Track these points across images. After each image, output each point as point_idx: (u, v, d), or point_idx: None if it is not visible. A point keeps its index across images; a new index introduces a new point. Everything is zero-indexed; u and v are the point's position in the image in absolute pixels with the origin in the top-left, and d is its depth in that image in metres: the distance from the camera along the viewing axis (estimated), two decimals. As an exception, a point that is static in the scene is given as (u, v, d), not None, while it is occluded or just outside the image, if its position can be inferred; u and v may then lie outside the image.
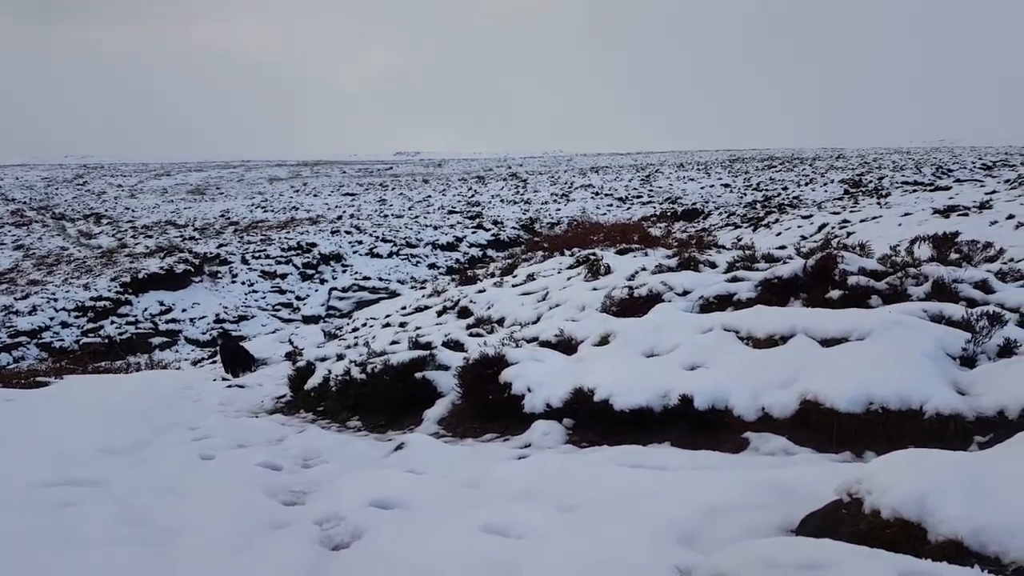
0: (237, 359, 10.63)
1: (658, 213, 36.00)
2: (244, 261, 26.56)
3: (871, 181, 38.16)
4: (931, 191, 22.44)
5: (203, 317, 21.80)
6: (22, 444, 4.40)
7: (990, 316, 4.12)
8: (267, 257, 27.00)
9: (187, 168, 77.08)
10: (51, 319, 20.74)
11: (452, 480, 3.42)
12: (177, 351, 19.40)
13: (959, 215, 14.98)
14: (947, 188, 22.39)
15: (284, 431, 5.32)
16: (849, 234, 15.38)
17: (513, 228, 33.78)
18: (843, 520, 2.27)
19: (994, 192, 17.70)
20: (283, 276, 25.87)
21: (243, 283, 24.96)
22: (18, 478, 3.63)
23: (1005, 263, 9.25)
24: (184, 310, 22.28)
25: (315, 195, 51.52)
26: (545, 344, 6.03)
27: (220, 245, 28.91)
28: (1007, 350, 3.94)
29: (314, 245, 28.45)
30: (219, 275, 25.27)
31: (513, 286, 10.70)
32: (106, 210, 44.20)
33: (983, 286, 5.23)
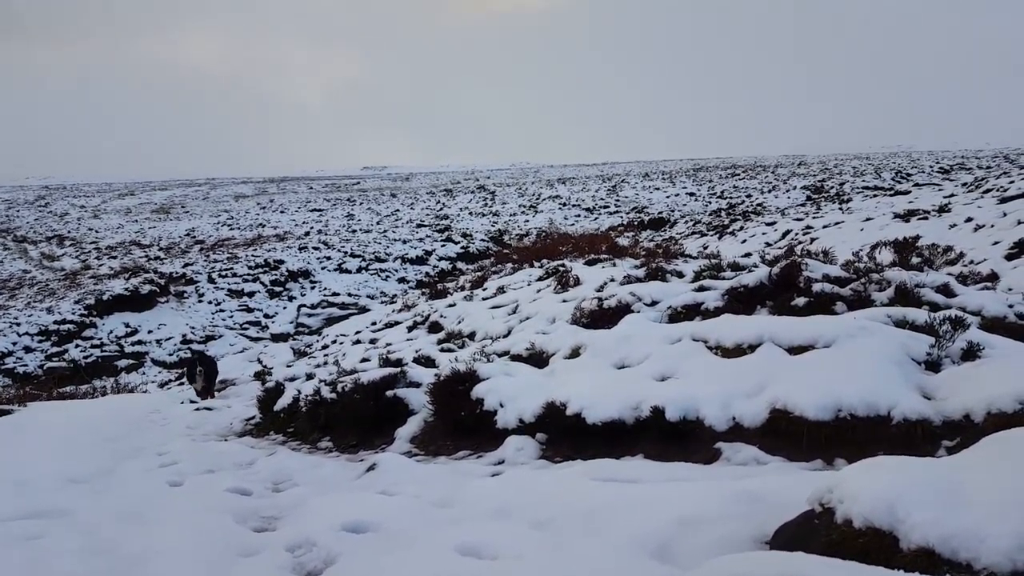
0: (204, 369, 9.76)
1: (625, 223, 36.28)
2: (211, 280, 26.12)
3: (833, 187, 38.94)
4: (891, 195, 22.97)
5: (170, 338, 21.36)
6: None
7: (953, 320, 4.20)
8: (234, 275, 26.60)
9: (151, 187, 75.87)
10: (14, 344, 20.19)
11: (425, 500, 3.38)
12: (144, 373, 18.97)
13: (919, 219, 15.33)
14: (907, 192, 22.93)
15: (254, 454, 5.22)
16: (813, 240, 15.65)
17: (482, 240, 33.75)
18: (816, 530, 2.28)
19: (952, 195, 18.16)
20: (250, 294, 25.49)
21: (210, 302, 24.54)
22: None
23: (965, 266, 9.50)
24: (150, 331, 21.83)
25: (282, 212, 51.01)
26: (516, 358, 6.01)
27: (186, 264, 28.42)
28: (970, 353, 4.01)
29: (281, 262, 28.10)
30: (185, 295, 24.82)
31: (483, 299, 10.67)
32: (69, 231, 43.27)
33: (945, 290, 5.34)
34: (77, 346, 20.75)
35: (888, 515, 2.07)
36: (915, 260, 7.11)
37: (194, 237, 39.72)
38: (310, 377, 7.27)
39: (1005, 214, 13.06)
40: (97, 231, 43.30)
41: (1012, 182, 17.19)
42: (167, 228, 43.86)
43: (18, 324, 21.19)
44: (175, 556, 2.87)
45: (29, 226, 46.08)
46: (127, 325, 22.14)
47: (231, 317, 23.69)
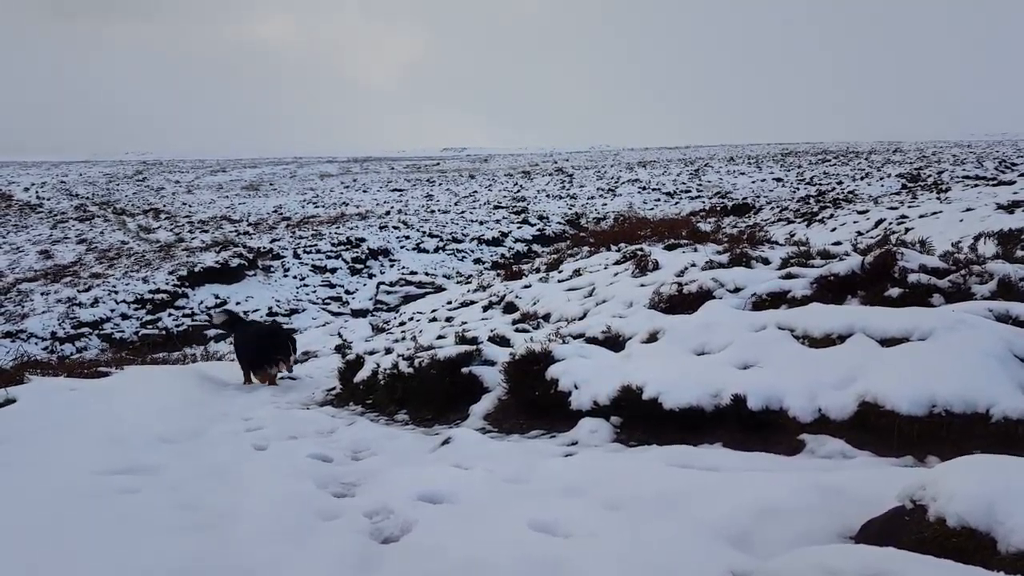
0: (270, 347, 8.20)
1: (707, 208, 35.42)
2: (296, 256, 27.09)
3: (930, 175, 36.85)
4: (994, 186, 21.53)
5: (256, 310, 22.29)
6: (84, 432, 4.53)
7: (1062, 316, 3.92)
8: (318, 252, 27.50)
9: (241, 165, 79.00)
10: (112, 311, 21.48)
11: (498, 475, 3.42)
12: (231, 343, 19.91)
13: (1025, 210, 14.34)
14: (1011, 183, 21.44)
15: (334, 423, 5.40)
16: (907, 230, 14.87)
17: (559, 223, 33.65)
18: (905, 527, 2.18)
19: (1063, 186, 16.90)
20: (333, 270, 26.31)
21: (295, 277, 25.47)
22: (81, 465, 3.75)
23: (1077, 260, 8.82)
24: (238, 303, 22.83)
25: (364, 191, 52.24)
26: (592, 340, 5.97)
27: (273, 240, 29.54)
28: (1080, 352, 3.74)
29: (363, 240, 28.85)
30: (272, 269, 25.84)
31: (559, 281, 10.65)
32: (164, 205, 45.59)
33: (1053, 284, 4.98)
34: (170, 315, 21.90)
35: (986, 515, 1.96)
36: (1020, 253, 6.66)
37: (281, 214, 41.20)
38: (388, 351, 7.45)
39: (1124, 206, 12.05)
40: (190, 206, 45.47)
41: None
42: (256, 204, 45.62)
43: (116, 292, 22.54)
44: (259, 515, 2.99)
45: (128, 199, 48.78)
46: (216, 296, 23.23)
47: (314, 292, 24.53)
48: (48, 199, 47.40)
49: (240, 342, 9.02)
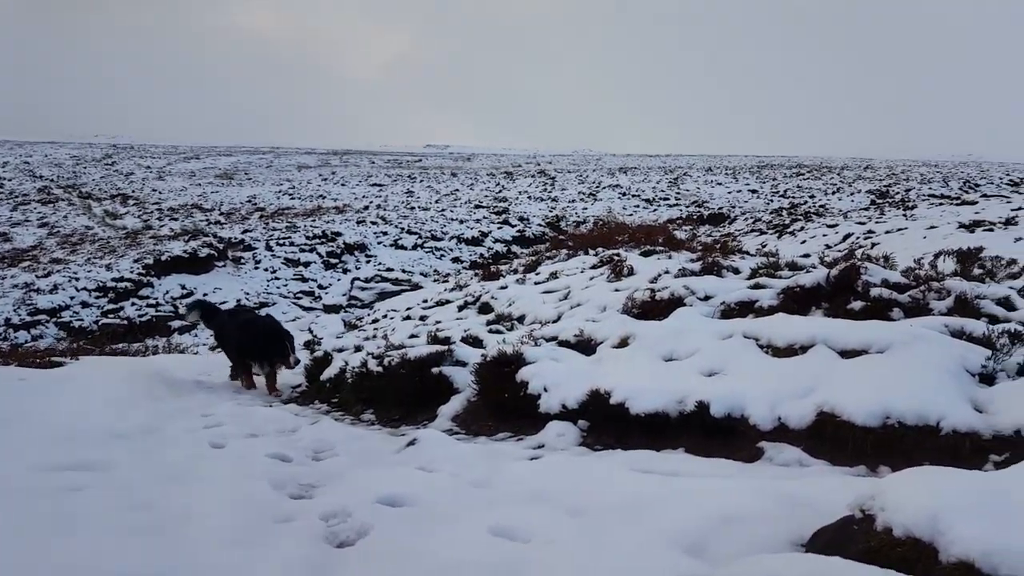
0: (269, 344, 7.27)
1: (684, 216, 35.77)
2: (268, 248, 26.81)
3: (898, 193, 37.60)
4: (957, 205, 22.05)
5: (224, 302, 22.01)
6: (31, 425, 4.38)
7: (1011, 334, 4.06)
8: (291, 244, 27.24)
9: (216, 152, 77.93)
10: (71, 298, 20.97)
11: (463, 479, 3.43)
12: (196, 335, 19.61)
13: (984, 230, 14.72)
14: (974, 203, 21.97)
15: (297, 421, 5.34)
16: (874, 245, 15.18)
17: (539, 225, 33.74)
18: (854, 536, 2.25)
19: (1020, 208, 17.35)
20: (306, 264, 26.08)
21: (266, 270, 25.20)
22: (23, 460, 3.61)
23: (1033, 280, 9.09)
24: (206, 294, 22.51)
25: (343, 184, 51.84)
26: (564, 344, 6.02)
27: (245, 231, 29.20)
28: (1028, 369, 3.87)
29: (339, 234, 28.65)
30: (243, 261, 25.54)
31: (535, 283, 10.70)
32: (133, 191, 44.78)
33: (1005, 303, 5.15)
34: (133, 304, 21.49)
35: (930, 526, 2.03)
36: (977, 271, 6.85)
37: (255, 204, 40.73)
38: (358, 349, 7.43)
39: (1078, 230, 12.45)
40: (161, 192, 44.74)
41: (1091, 196, 16.33)
42: (229, 193, 45.03)
43: (77, 279, 22.07)
44: (212, 517, 2.92)
45: (95, 183, 47.82)
46: (183, 287, 22.89)
47: (286, 286, 24.30)
48: (10, 180, 46.30)
49: (229, 333, 7.93)
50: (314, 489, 3.52)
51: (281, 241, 27.46)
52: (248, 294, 22.91)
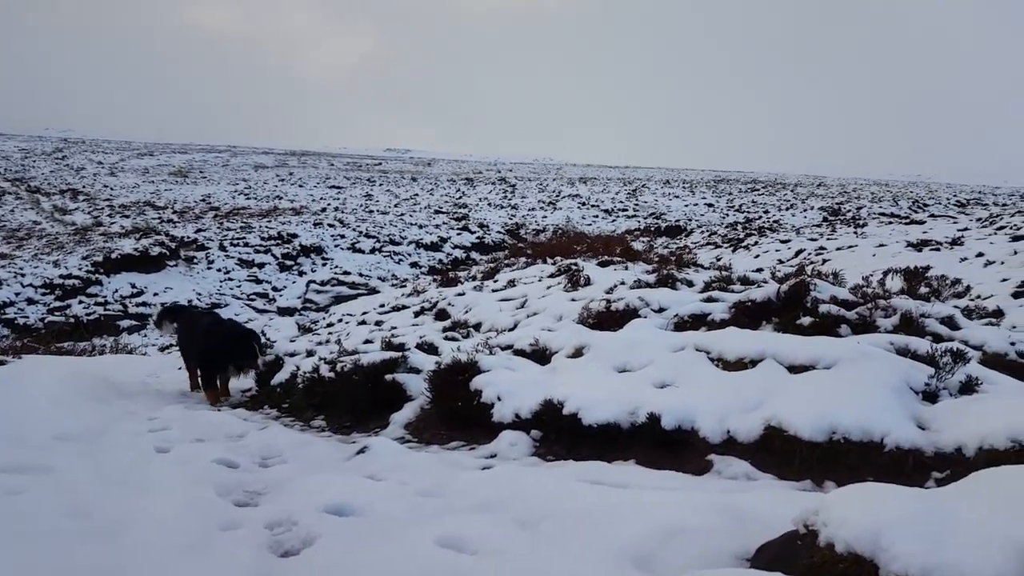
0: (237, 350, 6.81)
1: (642, 227, 36.22)
2: (222, 248, 26.24)
3: (850, 210, 38.71)
4: (906, 224, 22.80)
5: (175, 302, 21.51)
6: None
7: (954, 353, 4.17)
8: (246, 245, 26.72)
9: (171, 149, 76.24)
10: (16, 295, 20.27)
11: (412, 488, 3.38)
12: (146, 335, 19.09)
13: (931, 249, 15.24)
14: (922, 222, 22.76)
15: (246, 427, 5.21)
16: (825, 261, 15.57)
17: (499, 232, 33.77)
18: (798, 552, 2.27)
19: (966, 229, 18.02)
20: (261, 265, 25.60)
21: (219, 270, 24.66)
22: None
23: (972, 300, 9.44)
24: (156, 294, 21.94)
25: (300, 185, 51.17)
26: (520, 352, 6.01)
27: (198, 230, 28.56)
28: (969, 387, 3.99)
29: (295, 236, 28.21)
30: (195, 260, 24.95)
31: (493, 291, 10.68)
32: (84, 186, 43.52)
33: (949, 322, 5.31)
34: (81, 302, 20.85)
35: (871, 543, 2.05)
36: (923, 290, 7.07)
37: (209, 203, 39.92)
38: (310, 354, 7.29)
39: (1016, 252, 12.99)
40: (112, 188, 43.56)
41: (1028, 220, 17.06)
42: (183, 192, 44.08)
43: (23, 275, 21.33)
44: (154, 524, 2.85)
45: (44, 177, 46.35)
46: (133, 286, 22.27)
47: (239, 287, 23.81)
48: (-47, 171, 44.58)
49: (192, 337, 7.30)
50: (260, 496, 3.44)
51: (235, 241, 26.92)
52: (200, 295, 22.38)
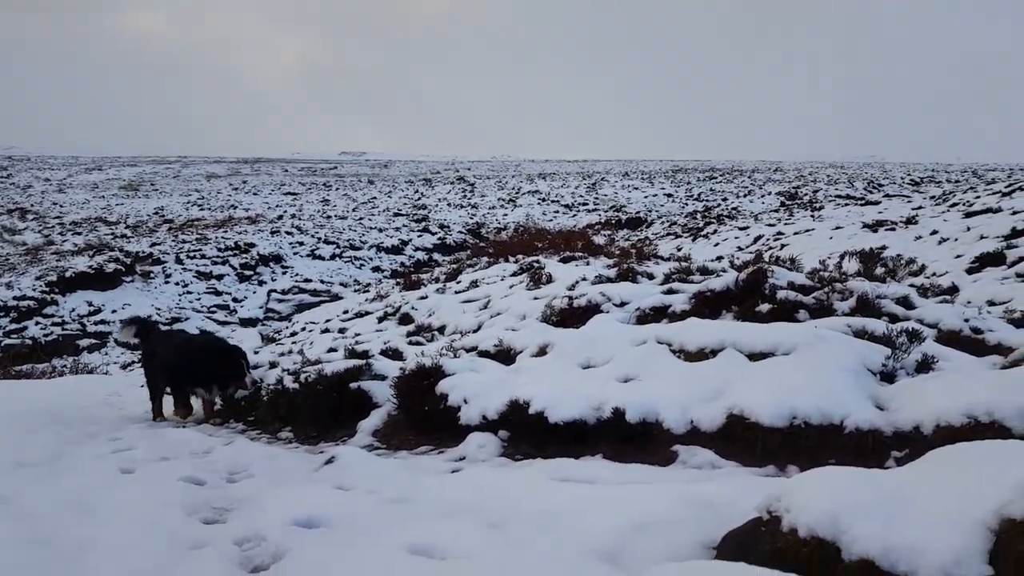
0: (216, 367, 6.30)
1: (603, 221, 36.47)
2: (178, 261, 25.72)
3: (807, 194, 39.48)
4: (862, 205, 23.35)
5: (139, 316, 21.02)
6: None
7: (909, 332, 4.28)
8: (203, 257, 26.22)
9: (120, 163, 74.42)
10: (-31, 319, 19.68)
11: (381, 496, 3.36)
12: (106, 354, 18.64)
13: (887, 229, 15.61)
14: (877, 203, 23.33)
15: (211, 442, 5.13)
16: (783, 246, 15.86)
17: (460, 232, 33.70)
18: (762, 538, 2.31)
19: (920, 208, 18.52)
20: (219, 277, 25.15)
21: (177, 283, 24.17)
22: None
23: (927, 277, 9.71)
24: (114, 311, 21.42)
25: (255, 193, 50.37)
26: (484, 354, 6.01)
27: (153, 244, 27.95)
28: (925, 366, 4.10)
29: (252, 245, 27.77)
30: (152, 275, 24.41)
31: (456, 292, 10.67)
32: (32, 205, 42.25)
33: (904, 302, 5.44)
34: (37, 323, 20.31)
35: (832, 526, 2.10)
36: (879, 271, 7.25)
37: (163, 216, 39.09)
38: (273, 365, 7.19)
39: (969, 228, 13.38)
40: (62, 205, 42.39)
41: (978, 197, 17.58)
42: (135, 205, 43.09)
43: (-24, 299, 20.68)
44: (119, 548, 2.80)
45: (-10, 197, 44.91)
46: (90, 304, 21.73)
47: (198, 300, 23.37)
48: None
49: (164, 357, 6.58)
50: (228, 513, 3.40)
51: (192, 254, 26.40)
52: (160, 309, 21.92)
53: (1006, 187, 18.66)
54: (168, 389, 6.60)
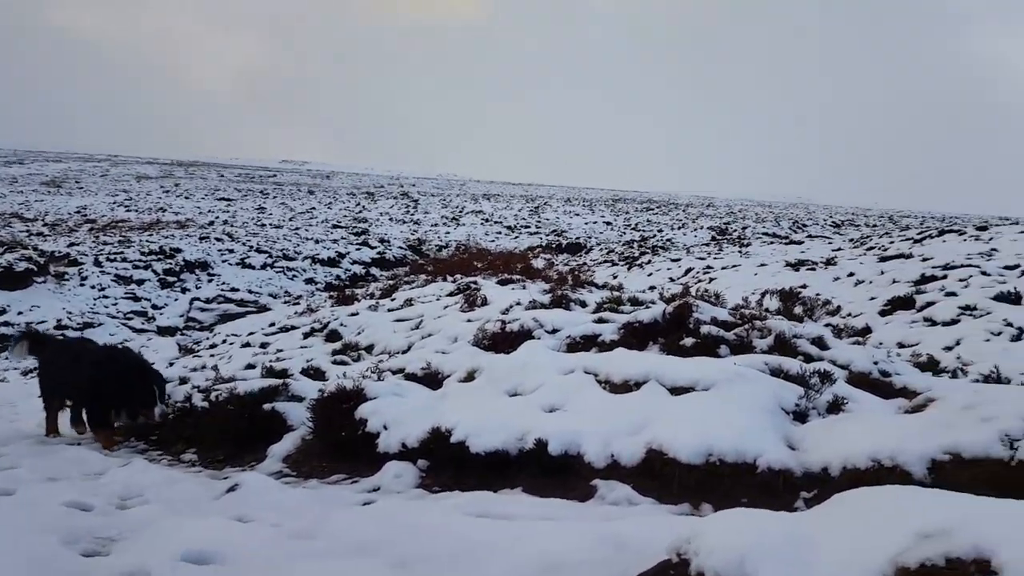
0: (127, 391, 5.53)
1: (544, 244, 36.72)
2: (97, 263, 24.49)
3: (736, 230, 40.76)
4: (786, 244, 24.22)
5: (42, 322, 19.76)
6: None
7: (822, 374, 4.39)
8: (124, 260, 25.05)
9: (44, 158, 71.02)
10: None
11: (284, 529, 3.17)
12: (7, 358, 17.50)
13: (808, 269, 16.19)
14: (800, 242, 24.22)
15: (107, 463, 4.79)
16: (711, 280, 16.25)
17: (400, 248, 33.28)
18: (671, 583, 2.28)
19: (840, 249, 19.28)
20: (140, 282, 24.02)
21: (93, 287, 22.97)
22: None
23: (843, 317, 10.07)
24: (21, 312, 20.15)
25: (187, 197, 48.73)
26: (411, 377, 5.87)
27: (71, 244, 26.58)
28: (836, 406, 4.20)
29: (179, 251, 26.70)
30: (66, 276, 23.15)
31: (389, 310, 10.47)
32: (-60, 196, 39.79)
33: (819, 342, 5.59)
34: (-66, 324, 18.93)
35: (738, 570, 2.10)
36: (798, 309, 7.46)
37: (85, 215, 37.36)
38: (184, 381, 6.84)
39: (883, 272, 14.00)
40: (-26, 199, 40.05)
41: (892, 242, 18.44)
42: (56, 203, 41.08)
43: None
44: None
45: None
46: (-5, 304, 20.42)
47: (115, 305, 22.25)
48: None
49: (67, 370, 5.94)
50: (113, 544, 3.14)
51: (112, 256, 25.20)
52: (71, 313, 20.77)
53: (917, 234, 19.66)
54: (69, 403, 6.06)
